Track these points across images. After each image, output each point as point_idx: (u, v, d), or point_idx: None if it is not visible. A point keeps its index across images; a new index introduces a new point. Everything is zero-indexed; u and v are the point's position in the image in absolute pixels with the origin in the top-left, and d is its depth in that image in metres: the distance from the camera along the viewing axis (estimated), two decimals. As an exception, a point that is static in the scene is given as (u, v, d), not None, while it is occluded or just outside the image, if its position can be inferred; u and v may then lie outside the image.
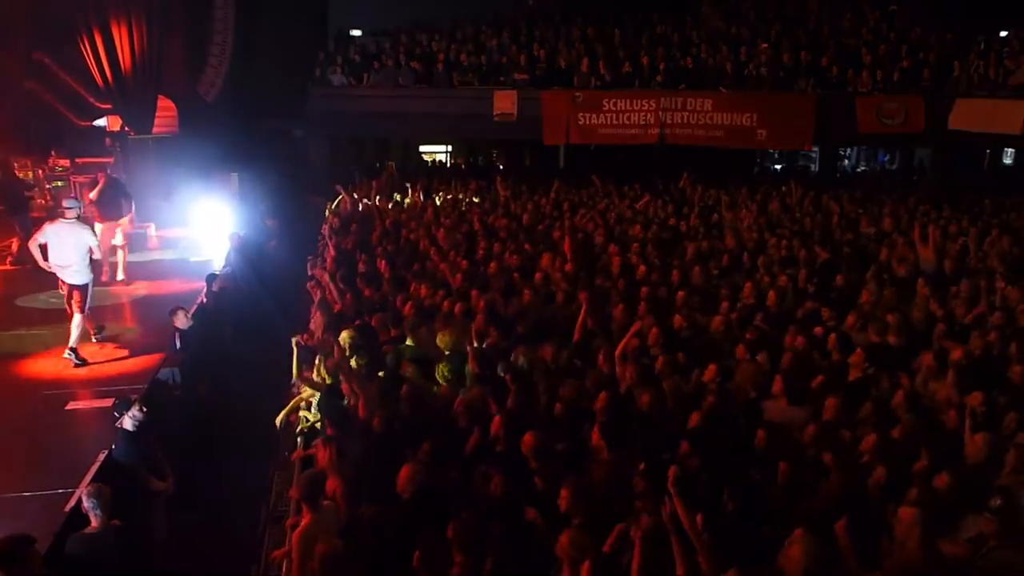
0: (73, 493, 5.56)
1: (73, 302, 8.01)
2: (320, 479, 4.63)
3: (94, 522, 4.69)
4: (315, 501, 4.47)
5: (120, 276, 11.06)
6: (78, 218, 8.19)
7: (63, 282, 8.03)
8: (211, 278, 10.01)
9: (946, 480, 4.44)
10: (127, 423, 5.71)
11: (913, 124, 17.65)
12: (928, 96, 17.59)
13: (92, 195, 10.97)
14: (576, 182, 16.89)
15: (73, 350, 7.99)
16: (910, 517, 3.93)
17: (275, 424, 7.11)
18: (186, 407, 7.63)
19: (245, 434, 8.13)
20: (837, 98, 17.71)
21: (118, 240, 11.01)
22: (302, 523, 4.40)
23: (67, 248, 7.99)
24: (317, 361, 6.91)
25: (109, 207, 10.97)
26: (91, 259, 8.14)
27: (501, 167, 23.11)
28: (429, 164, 24.89)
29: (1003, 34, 19.54)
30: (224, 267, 11.29)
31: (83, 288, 8.04)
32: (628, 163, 21.34)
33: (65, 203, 8.43)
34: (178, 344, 8.13)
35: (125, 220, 11.31)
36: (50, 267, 8.11)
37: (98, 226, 10.28)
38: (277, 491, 6.73)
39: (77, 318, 8.03)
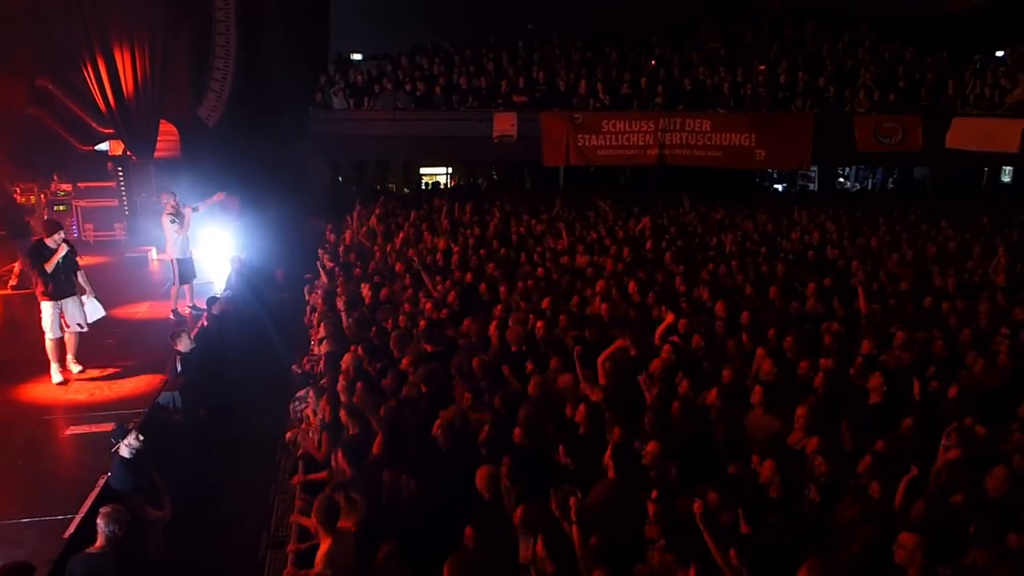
0: (73, 519, 5.53)
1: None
2: (335, 502, 4.68)
3: (99, 541, 4.68)
4: (332, 525, 4.54)
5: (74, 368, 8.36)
6: (175, 211, 10.17)
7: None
8: (212, 301, 10.02)
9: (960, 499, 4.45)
10: (123, 451, 5.70)
11: (911, 143, 17.75)
12: (925, 115, 17.71)
13: (48, 266, 7.85)
14: (578, 204, 17.00)
15: (193, 306, 10.53)
16: (912, 543, 3.92)
17: (276, 447, 7.10)
18: (186, 431, 7.60)
19: (245, 458, 8.11)
20: (835, 118, 17.82)
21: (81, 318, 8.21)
22: (322, 547, 4.52)
23: (167, 232, 10.24)
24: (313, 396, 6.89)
25: (63, 283, 8.04)
26: (175, 241, 10.14)
27: (500, 187, 23.16)
28: (427, 187, 24.98)
29: (999, 53, 19.72)
30: (225, 290, 11.28)
31: (178, 262, 10.18)
32: (628, 184, 21.48)
33: (163, 198, 10.46)
34: (179, 367, 8.11)
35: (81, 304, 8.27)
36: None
37: (47, 305, 7.94)
38: (278, 516, 6.68)
39: (183, 288, 10.41)
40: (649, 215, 14.70)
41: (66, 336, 8.14)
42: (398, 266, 10.74)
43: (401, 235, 12.67)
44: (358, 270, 10.67)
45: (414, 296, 9.14)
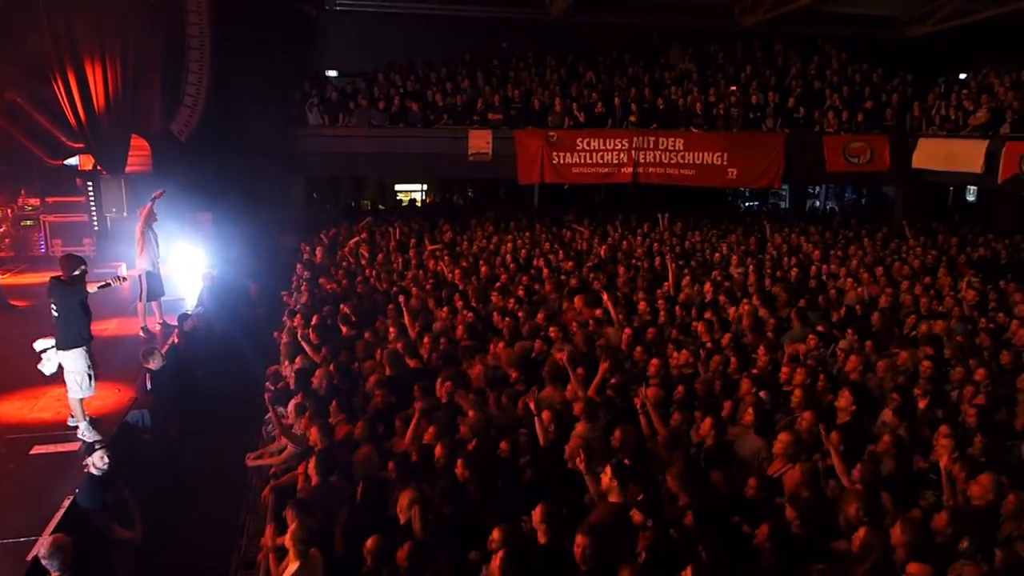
0: (36, 541, 5.38)
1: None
2: (314, 528, 4.61)
3: (53, 574, 4.58)
4: (305, 549, 4.48)
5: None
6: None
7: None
8: (183, 318, 9.91)
9: (944, 520, 4.50)
10: (92, 469, 5.59)
11: (879, 163, 18.12)
12: (892, 136, 18.11)
13: (53, 316, 6.99)
14: (553, 221, 17.17)
15: (164, 322, 10.35)
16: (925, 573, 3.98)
17: (247, 467, 7.00)
18: (156, 450, 7.47)
19: (216, 477, 7.97)
20: (805, 138, 18.14)
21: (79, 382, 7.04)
22: (289, 568, 4.45)
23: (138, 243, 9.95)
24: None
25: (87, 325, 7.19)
26: (142, 252, 9.83)
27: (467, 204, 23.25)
28: (404, 204, 24.99)
29: (962, 76, 20.23)
30: (196, 307, 11.15)
31: (147, 276, 9.89)
32: (603, 202, 21.63)
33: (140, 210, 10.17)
34: (149, 385, 7.98)
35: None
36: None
37: (78, 354, 6.98)
38: (249, 536, 6.57)
39: (151, 304, 10.16)
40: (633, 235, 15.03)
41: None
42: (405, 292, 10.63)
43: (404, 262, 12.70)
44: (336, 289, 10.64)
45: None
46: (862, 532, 4.32)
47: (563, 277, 11.47)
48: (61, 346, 6.93)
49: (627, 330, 8.35)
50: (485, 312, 9.53)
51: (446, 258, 12.82)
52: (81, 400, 7.08)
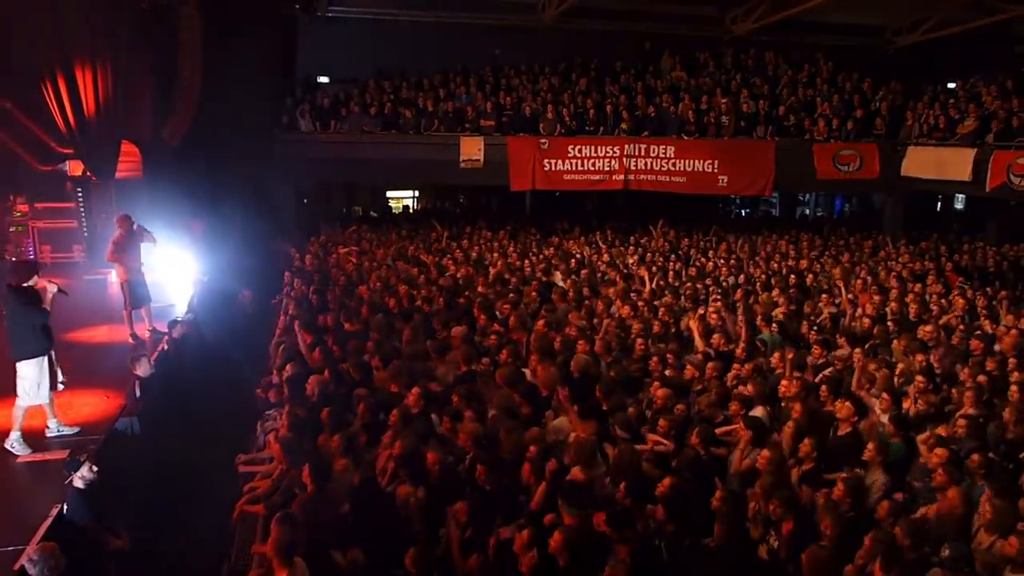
0: (23, 550, 5.33)
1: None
2: (293, 536, 4.57)
3: None
4: (289, 557, 4.45)
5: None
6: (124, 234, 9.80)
7: None
8: (173, 324, 9.84)
9: (901, 532, 4.51)
10: (77, 481, 5.53)
11: (868, 171, 18.26)
12: (882, 144, 18.25)
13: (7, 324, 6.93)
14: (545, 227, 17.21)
15: (153, 329, 10.18)
16: None
17: (237, 473, 6.97)
18: (145, 458, 7.41)
19: (206, 484, 7.92)
20: (795, 146, 18.25)
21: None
22: None
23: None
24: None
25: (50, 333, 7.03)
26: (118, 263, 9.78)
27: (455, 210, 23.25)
28: (395, 210, 24.98)
29: (951, 85, 20.40)
30: (187, 313, 11.09)
31: (129, 285, 9.81)
32: (595, 209, 21.69)
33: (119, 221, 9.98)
34: (138, 392, 7.92)
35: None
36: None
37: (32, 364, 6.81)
38: (239, 544, 6.52)
39: (140, 311, 10.12)
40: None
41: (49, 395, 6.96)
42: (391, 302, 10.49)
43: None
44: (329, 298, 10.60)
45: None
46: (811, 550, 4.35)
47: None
48: (15, 356, 6.81)
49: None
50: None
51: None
52: (26, 409, 6.90)
